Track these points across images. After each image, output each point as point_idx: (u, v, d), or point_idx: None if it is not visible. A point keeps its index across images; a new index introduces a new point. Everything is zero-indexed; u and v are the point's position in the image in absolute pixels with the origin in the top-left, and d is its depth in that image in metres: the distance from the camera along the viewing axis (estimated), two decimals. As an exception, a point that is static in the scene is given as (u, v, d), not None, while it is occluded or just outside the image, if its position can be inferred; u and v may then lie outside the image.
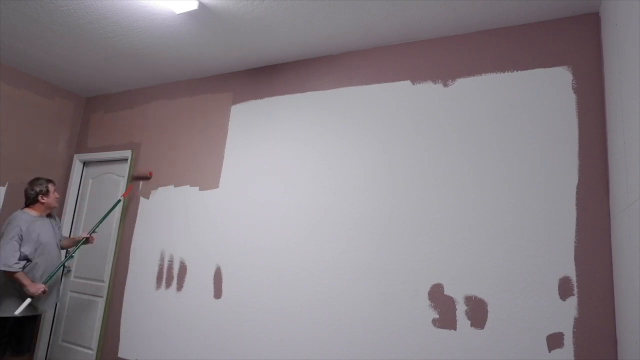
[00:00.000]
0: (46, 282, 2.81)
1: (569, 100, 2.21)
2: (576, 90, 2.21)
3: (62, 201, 3.91)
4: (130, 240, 3.48)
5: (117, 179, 3.78)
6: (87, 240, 3.13)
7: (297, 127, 2.95)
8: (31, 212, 2.87)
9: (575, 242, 2.07)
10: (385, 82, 2.71)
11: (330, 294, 2.57)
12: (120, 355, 3.27)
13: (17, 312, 2.66)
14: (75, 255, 3.73)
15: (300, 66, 3.07)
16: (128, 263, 3.43)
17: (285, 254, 2.78)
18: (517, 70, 2.36)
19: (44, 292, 2.76)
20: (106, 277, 3.52)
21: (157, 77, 3.58)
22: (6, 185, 3.47)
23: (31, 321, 2.90)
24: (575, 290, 2.03)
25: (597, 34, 2.23)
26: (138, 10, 2.55)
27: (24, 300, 2.70)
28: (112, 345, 3.32)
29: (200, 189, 3.23)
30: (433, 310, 2.29)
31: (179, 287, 3.13)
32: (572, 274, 2.05)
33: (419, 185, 2.47)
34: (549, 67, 2.29)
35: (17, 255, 2.70)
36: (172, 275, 3.19)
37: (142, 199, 3.52)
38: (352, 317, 2.47)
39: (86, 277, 3.68)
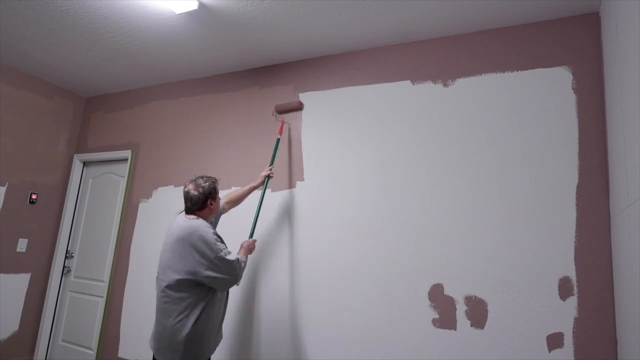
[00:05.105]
0: (251, 236, 2.62)
1: (569, 100, 2.21)
2: (576, 90, 2.21)
3: (61, 201, 3.91)
4: (130, 240, 3.47)
5: (117, 179, 3.77)
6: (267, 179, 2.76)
7: (297, 127, 2.95)
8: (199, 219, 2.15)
9: (575, 242, 2.07)
10: (385, 82, 2.71)
11: (329, 294, 2.57)
12: (120, 355, 3.27)
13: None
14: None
15: (300, 66, 3.07)
16: (128, 263, 3.43)
17: (285, 253, 2.77)
18: (517, 71, 2.36)
19: (255, 241, 2.54)
20: (106, 277, 3.52)
21: (157, 77, 3.58)
22: (6, 185, 3.47)
23: None
24: (575, 290, 2.03)
25: (597, 34, 2.22)
26: (138, 10, 2.55)
27: (216, 338, 2.18)
28: (112, 345, 3.32)
29: (200, 189, 3.22)
30: (433, 310, 2.29)
31: (179, 287, 3.12)
32: (572, 274, 2.05)
33: (419, 185, 2.47)
34: (548, 67, 2.29)
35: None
36: (172, 275, 3.18)
37: (142, 199, 3.52)
38: (352, 317, 2.47)
39: (86, 277, 3.68)
